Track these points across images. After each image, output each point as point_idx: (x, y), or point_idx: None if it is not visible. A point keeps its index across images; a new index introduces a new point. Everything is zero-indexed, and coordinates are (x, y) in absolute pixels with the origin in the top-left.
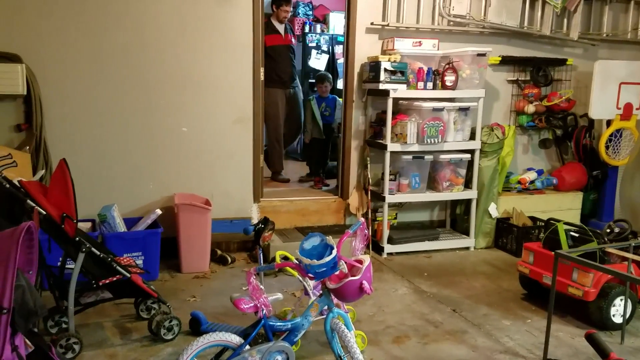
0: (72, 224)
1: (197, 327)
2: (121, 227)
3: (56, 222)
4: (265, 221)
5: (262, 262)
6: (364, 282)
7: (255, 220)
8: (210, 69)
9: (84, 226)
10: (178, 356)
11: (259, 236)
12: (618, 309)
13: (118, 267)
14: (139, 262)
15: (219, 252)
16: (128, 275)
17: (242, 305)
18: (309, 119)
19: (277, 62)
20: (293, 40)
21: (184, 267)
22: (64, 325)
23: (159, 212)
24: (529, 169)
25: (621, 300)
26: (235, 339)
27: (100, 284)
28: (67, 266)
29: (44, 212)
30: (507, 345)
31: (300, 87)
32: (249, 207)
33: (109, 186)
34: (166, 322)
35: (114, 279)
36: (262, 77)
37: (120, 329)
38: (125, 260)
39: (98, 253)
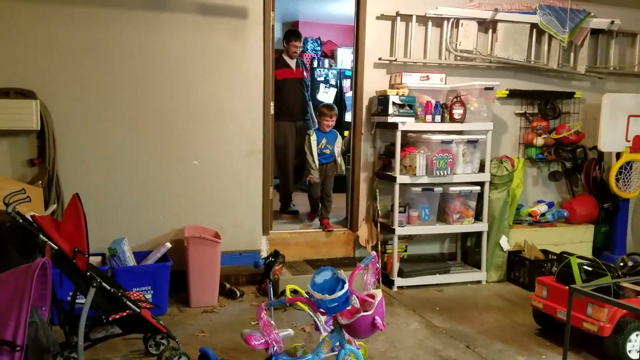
0: (84, 258)
1: None
2: (131, 261)
3: (68, 257)
4: (275, 254)
5: (272, 296)
6: (377, 317)
7: (264, 253)
8: (221, 103)
9: (94, 260)
10: None
11: (269, 269)
12: (634, 345)
13: (128, 302)
14: (149, 296)
15: (227, 285)
16: (138, 310)
17: (253, 341)
18: (309, 158)
19: (287, 95)
20: (305, 73)
21: (193, 301)
22: None
23: (168, 245)
24: (540, 202)
25: (637, 335)
26: None
27: (111, 319)
28: (77, 301)
29: (56, 247)
30: None
31: (314, 120)
32: (258, 240)
33: (119, 220)
34: (175, 358)
35: (124, 314)
36: (272, 111)
37: None
38: (135, 294)
39: (109, 288)
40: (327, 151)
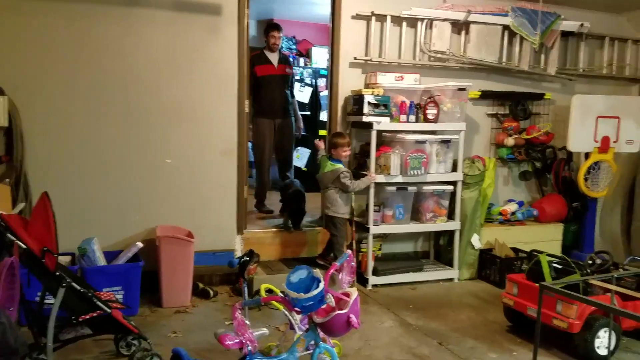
0: (53, 258)
1: None
2: (101, 261)
3: (36, 257)
4: (250, 254)
5: (246, 295)
6: (352, 315)
7: (239, 252)
8: (195, 100)
9: (64, 260)
10: None
11: (243, 269)
12: (602, 341)
13: (98, 303)
14: (119, 296)
15: (201, 285)
16: (109, 310)
17: (227, 341)
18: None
19: (267, 92)
20: (288, 70)
21: (165, 302)
22: None
23: (140, 245)
24: (510, 201)
25: (605, 332)
26: None
27: (81, 319)
28: (46, 301)
29: (24, 246)
30: None
31: (299, 118)
32: (232, 239)
33: (90, 219)
34: (147, 358)
35: (95, 314)
36: (247, 109)
37: None
38: (105, 295)
39: (78, 288)
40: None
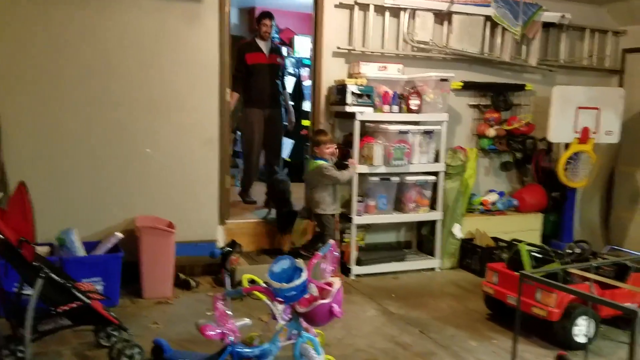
0: (31, 248)
1: (160, 355)
2: (80, 252)
3: (14, 247)
4: (232, 244)
5: (228, 286)
6: (334, 305)
7: (221, 243)
8: (175, 89)
9: (42, 250)
10: None
11: (225, 260)
12: (581, 329)
13: (78, 293)
14: (99, 287)
15: (182, 276)
16: (88, 301)
17: (208, 331)
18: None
19: (257, 81)
20: (279, 60)
21: (146, 293)
22: (20, 355)
23: (119, 235)
24: (491, 191)
25: (584, 320)
26: None
27: (60, 310)
28: (24, 292)
29: (1, 237)
30: None
31: (290, 110)
32: (214, 230)
33: (68, 209)
34: (127, 350)
35: (74, 305)
36: (228, 98)
37: (79, 357)
38: (84, 285)
39: (57, 278)
40: None
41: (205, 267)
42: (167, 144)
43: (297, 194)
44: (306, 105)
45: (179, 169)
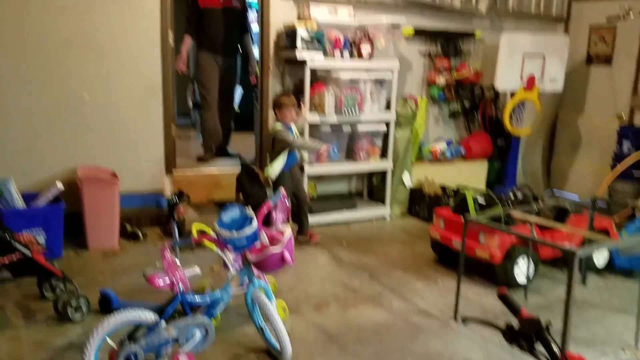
0: None
1: (107, 306)
2: (19, 203)
3: None
4: (179, 194)
5: (177, 236)
6: (286, 253)
7: (168, 194)
8: (114, 33)
9: None
10: (88, 336)
11: (173, 210)
12: (521, 269)
13: (17, 245)
14: (41, 239)
15: (129, 227)
16: (29, 253)
17: (156, 281)
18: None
19: (209, 25)
20: (235, 3)
21: (91, 244)
22: None
23: (60, 186)
24: (440, 140)
25: (524, 260)
26: (150, 316)
27: None
28: None
29: None
30: (421, 307)
31: (252, 57)
32: (160, 180)
33: (4, 159)
34: (73, 301)
35: (14, 257)
36: (171, 43)
37: (23, 310)
38: (25, 237)
39: None
40: None
41: (153, 218)
42: (107, 90)
43: (248, 143)
44: (254, 52)
45: (120, 117)
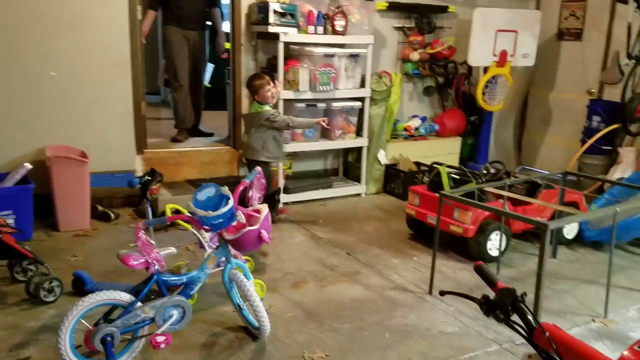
0: None
1: (81, 287)
2: None
3: None
4: (152, 173)
5: (150, 216)
6: (263, 231)
7: (140, 173)
8: (82, 9)
9: None
10: (62, 318)
11: (145, 189)
12: (494, 243)
13: None
14: (10, 221)
15: (100, 208)
16: None
17: (131, 261)
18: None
19: None
20: None
21: (62, 225)
22: None
23: (28, 166)
24: (414, 116)
25: (496, 234)
26: (126, 297)
27: None
28: None
29: None
30: (397, 282)
31: (220, 32)
32: (131, 159)
33: None
34: (46, 283)
35: None
36: (139, 16)
37: None
38: None
39: None
40: None
41: (125, 198)
42: (76, 67)
43: (221, 122)
44: (225, 26)
45: (89, 94)
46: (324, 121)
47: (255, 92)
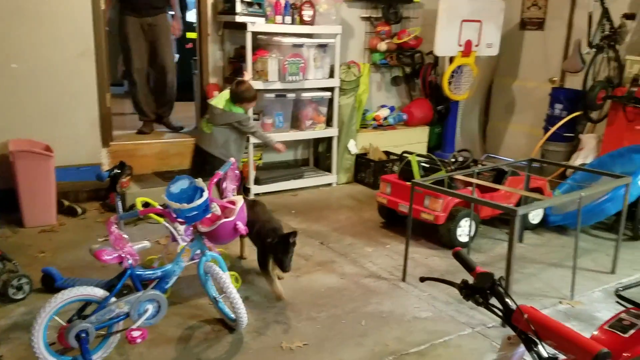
0: None
1: (51, 284)
2: None
3: None
4: (121, 166)
5: (120, 210)
6: (239, 222)
7: (106, 167)
8: None
9: None
10: (35, 315)
11: (115, 182)
12: (464, 230)
13: None
14: None
15: (66, 202)
16: None
17: (104, 256)
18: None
19: None
20: None
21: (27, 221)
22: None
23: None
24: (383, 106)
25: (466, 221)
26: (99, 292)
27: None
28: None
29: None
30: (371, 270)
31: (176, 16)
32: (97, 152)
33: None
34: (14, 280)
35: None
36: (102, 5)
37: None
38: None
39: None
40: None
41: (92, 192)
42: (38, 58)
43: (188, 112)
44: (191, 16)
45: (52, 86)
46: (282, 147)
47: (242, 101)
